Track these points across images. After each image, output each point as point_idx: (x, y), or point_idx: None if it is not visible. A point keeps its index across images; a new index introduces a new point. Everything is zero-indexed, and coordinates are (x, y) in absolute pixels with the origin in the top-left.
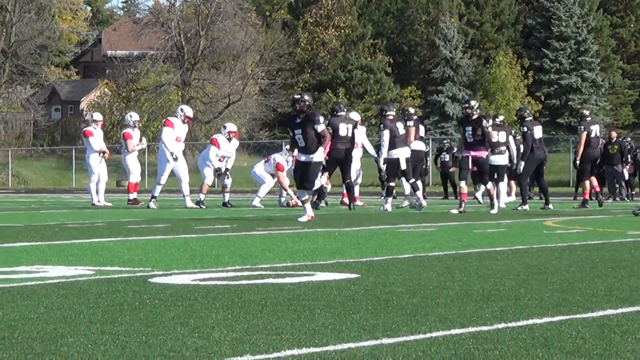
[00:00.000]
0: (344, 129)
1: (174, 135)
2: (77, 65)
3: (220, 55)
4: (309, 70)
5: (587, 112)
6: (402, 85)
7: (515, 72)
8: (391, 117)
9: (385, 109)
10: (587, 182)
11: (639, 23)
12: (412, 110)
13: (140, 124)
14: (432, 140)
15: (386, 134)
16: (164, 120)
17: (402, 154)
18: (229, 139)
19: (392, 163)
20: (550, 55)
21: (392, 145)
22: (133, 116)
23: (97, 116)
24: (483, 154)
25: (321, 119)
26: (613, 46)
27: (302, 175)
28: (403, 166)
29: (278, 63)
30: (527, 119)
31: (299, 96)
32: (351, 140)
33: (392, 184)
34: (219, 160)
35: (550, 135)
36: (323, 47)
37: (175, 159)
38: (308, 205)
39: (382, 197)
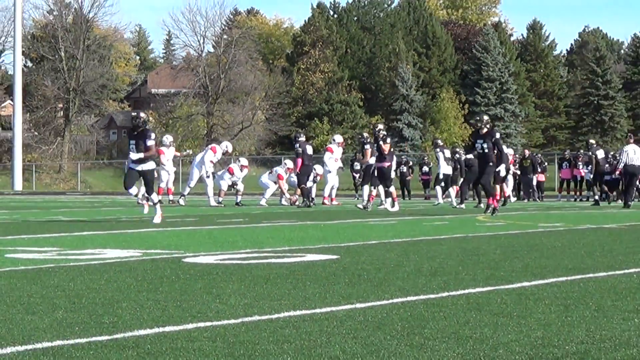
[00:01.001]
0: (310, 150)
1: (214, 159)
2: (129, 99)
3: (236, 92)
4: (302, 104)
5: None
6: (370, 114)
7: (455, 105)
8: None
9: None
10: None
11: (547, 69)
12: (365, 135)
13: (175, 144)
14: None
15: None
16: (211, 146)
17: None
18: (241, 170)
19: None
20: (480, 93)
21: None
22: (168, 137)
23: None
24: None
25: (152, 135)
26: (527, 86)
27: (145, 182)
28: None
29: (278, 98)
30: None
31: (135, 113)
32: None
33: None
34: (233, 184)
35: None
36: (312, 86)
37: (208, 177)
38: (158, 207)
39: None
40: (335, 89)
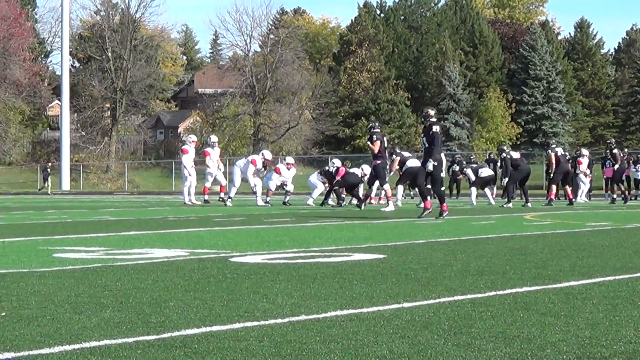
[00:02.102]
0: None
1: (256, 171)
2: (176, 99)
3: (282, 92)
4: (348, 103)
5: (551, 142)
6: (417, 114)
7: (502, 104)
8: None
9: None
10: (554, 186)
11: (594, 67)
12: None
13: (220, 145)
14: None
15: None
16: (251, 158)
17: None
18: (288, 169)
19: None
20: (528, 92)
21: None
22: (212, 138)
23: (194, 138)
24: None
25: None
26: (575, 85)
27: None
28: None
29: (325, 98)
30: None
31: None
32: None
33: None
34: (283, 185)
35: (528, 152)
36: (359, 86)
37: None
38: None
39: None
40: (382, 88)
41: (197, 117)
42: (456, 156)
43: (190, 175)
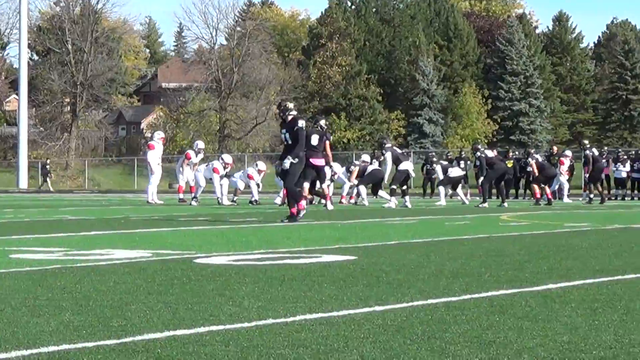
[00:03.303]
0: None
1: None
2: (138, 94)
3: (249, 87)
4: (318, 99)
5: (532, 150)
6: (389, 110)
7: (477, 100)
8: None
9: (384, 141)
10: (536, 186)
11: (573, 62)
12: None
13: (184, 141)
14: (414, 152)
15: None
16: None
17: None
18: (259, 173)
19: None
20: (504, 87)
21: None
22: (200, 144)
23: (161, 134)
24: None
25: None
26: (553, 80)
27: None
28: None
29: (294, 93)
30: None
31: None
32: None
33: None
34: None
35: (505, 149)
36: (329, 80)
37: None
38: None
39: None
40: (353, 83)
41: (160, 112)
42: (429, 154)
43: (155, 173)
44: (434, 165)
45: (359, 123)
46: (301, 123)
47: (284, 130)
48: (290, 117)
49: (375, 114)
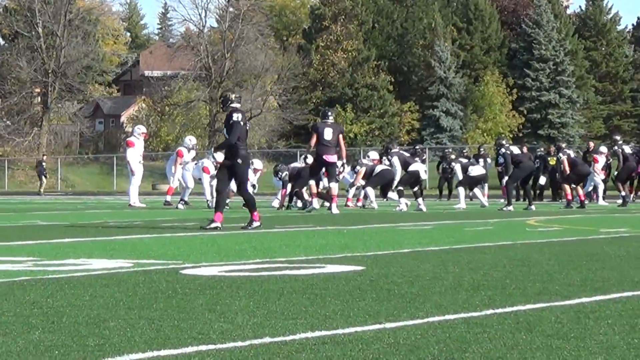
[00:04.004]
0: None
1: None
2: (118, 83)
3: (243, 75)
4: (321, 88)
5: (563, 145)
6: (402, 101)
7: (501, 90)
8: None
9: (390, 146)
10: (567, 186)
11: (609, 47)
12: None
13: (170, 136)
14: (429, 149)
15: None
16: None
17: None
18: (254, 173)
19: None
20: (531, 75)
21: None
22: (192, 140)
23: (143, 129)
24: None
25: None
26: (587, 67)
27: None
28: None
29: (294, 82)
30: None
31: None
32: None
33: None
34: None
35: (532, 145)
36: (333, 67)
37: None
38: None
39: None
40: (361, 71)
41: (142, 104)
42: (446, 150)
43: (135, 172)
44: (452, 163)
45: (367, 116)
46: (236, 116)
47: (223, 125)
48: (229, 110)
49: (385, 105)
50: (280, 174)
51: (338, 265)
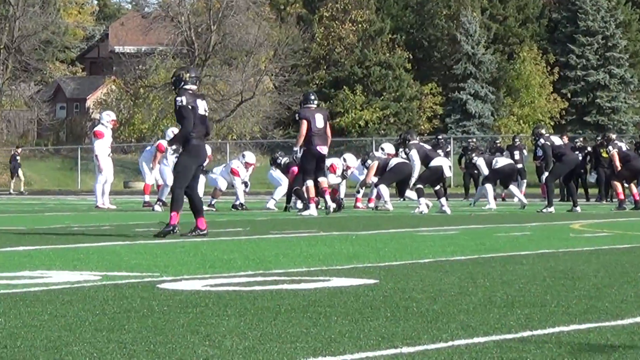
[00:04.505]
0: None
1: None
2: (83, 61)
3: (233, 51)
4: (325, 67)
5: (613, 136)
6: (422, 82)
7: (540, 69)
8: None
9: (407, 137)
10: (618, 184)
11: None
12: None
13: (145, 125)
14: (454, 139)
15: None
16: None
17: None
18: (246, 168)
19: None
20: (576, 51)
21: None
22: (175, 130)
23: (112, 115)
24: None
25: None
26: None
27: None
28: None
29: (293, 59)
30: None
31: None
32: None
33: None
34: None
35: (577, 134)
36: (339, 42)
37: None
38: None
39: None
40: (373, 46)
41: (112, 85)
42: (470, 141)
43: (104, 168)
44: (474, 157)
45: (381, 100)
46: (179, 100)
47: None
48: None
49: (402, 87)
50: (281, 159)
51: (346, 278)
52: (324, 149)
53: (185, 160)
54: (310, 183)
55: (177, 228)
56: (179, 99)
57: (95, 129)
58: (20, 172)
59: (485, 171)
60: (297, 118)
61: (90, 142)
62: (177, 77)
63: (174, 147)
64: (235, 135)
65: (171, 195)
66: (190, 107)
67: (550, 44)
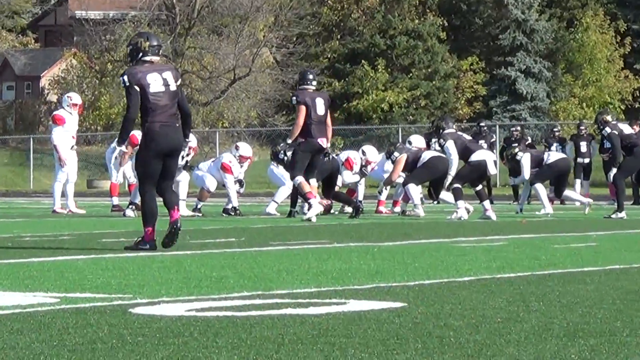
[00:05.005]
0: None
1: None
2: (36, 30)
3: (223, 17)
4: (339, 36)
5: None
6: (459, 55)
7: (607, 39)
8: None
9: (442, 124)
10: None
11: None
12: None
13: (115, 109)
14: (500, 127)
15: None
16: (55, 115)
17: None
18: (241, 163)
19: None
20: None
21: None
22: None
23: (76, 98)
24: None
25: None
26: None
27: None
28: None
29: (298, 27)
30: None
31: None
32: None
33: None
34: (240, 184)
35: None
36: (357, 6)
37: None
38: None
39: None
40: (399, 11)
41: (73, 60)
42: (514, 130)
43: (65, 164)
44: (519, 153)
45: (409, 77)
46: (124, 80)
47: None
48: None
49: (435, 62)
50: (281, 152)
51: (365, 301)
52: (324, 142)
53: (143, 155)
54: (301, 179)
55: (154, 245)
56: (123, 78)
57: (56, 113)
58: None
59: (527, 173)
60: (295, 102)
61: (46, 131)
62: (134, 47)
63: (122, 146)
64: (226, 122)
65: (141, 204)
66: (136, 87)
67: (620, 8)
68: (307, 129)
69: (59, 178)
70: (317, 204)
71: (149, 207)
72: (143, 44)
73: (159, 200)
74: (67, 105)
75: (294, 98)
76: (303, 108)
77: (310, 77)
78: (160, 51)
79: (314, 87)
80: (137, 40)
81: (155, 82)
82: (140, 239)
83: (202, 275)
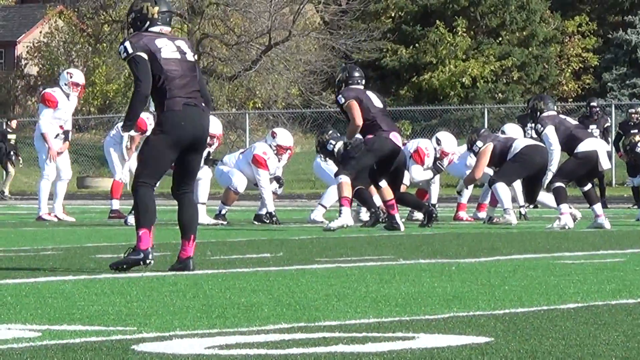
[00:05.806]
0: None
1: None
2: None
3: None
4: None
5: None
6: (564, 14)
7: None
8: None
9: (539, 105)
10: None
11: None
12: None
13: (114, 85)
14: (617, 108)
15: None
16: (44, 92)
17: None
18: (279, 155)
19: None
20: None
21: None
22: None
23: (78, 76)
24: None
25: None
26: None
27: None
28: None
29: None
30: None
31: None
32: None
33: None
34: (278, 182)
35: None
36: None
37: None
38: None
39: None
40: None
41: (58, 20)
42: (630, 112)
43: (53, 159)
44: (638, 140)
45: (498, 43)
46: (124, 48)
47: None
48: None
49: (531, 22)
50: (334, 143)
51: (440, 335)
52: (398, 138)
53: (155, 140)
54: (345, 180)
55: (150, 256)
56: (123, 45)
57: (47, 90)
58: (11, 163)
59: None
60: (342, 102)
61: (24, 113)
62: (138, 13)
63: (129, 131)
64: (259, 101)
65: (133, 200)
66: (145, 57)
67: None
68: (372, 123)
69: (46, 175)
70: (348, 216)
71: (144, 203)
72: (150, 9)
73: (169, 204)
74: (65, 84)
75: (340, 97)
76: (355, 103)
77: (357, 74)
78: (172, 19)
79: (362, 86)
80: (141, 5)
81: (167, 47)
82: (132, 249)
83: (227, 301)
